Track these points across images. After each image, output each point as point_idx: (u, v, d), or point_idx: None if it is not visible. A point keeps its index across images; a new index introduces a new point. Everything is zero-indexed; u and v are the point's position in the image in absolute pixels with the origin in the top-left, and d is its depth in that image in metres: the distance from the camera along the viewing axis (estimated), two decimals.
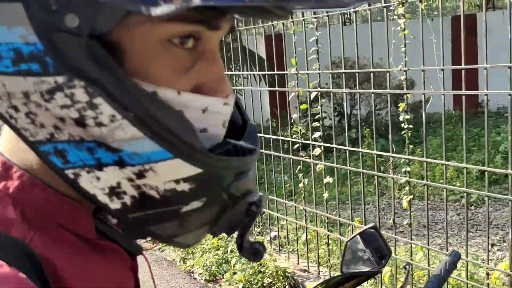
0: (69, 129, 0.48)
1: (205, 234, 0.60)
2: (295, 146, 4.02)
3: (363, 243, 1.33)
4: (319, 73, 3.71)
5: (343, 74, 3.83)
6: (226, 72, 4.73)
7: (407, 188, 3.24)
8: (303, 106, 3.94)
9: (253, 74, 5.07)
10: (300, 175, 4.07)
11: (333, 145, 3.68)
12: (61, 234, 0.53)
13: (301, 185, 4.05)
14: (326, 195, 3.83)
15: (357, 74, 3.67)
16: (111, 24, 0.45)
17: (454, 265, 1.36)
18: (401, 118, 3.21)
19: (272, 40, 4.08)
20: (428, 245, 3.20)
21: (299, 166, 4.09)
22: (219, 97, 0.54)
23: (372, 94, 3.91)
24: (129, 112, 0.47)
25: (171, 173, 0.50)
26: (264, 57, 5.47)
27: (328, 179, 3.76)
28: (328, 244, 3.96)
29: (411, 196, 3.23)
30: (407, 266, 1.44)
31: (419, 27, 2.98)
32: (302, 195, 4.11)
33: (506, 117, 7.73)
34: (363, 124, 7.80)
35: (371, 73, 3.50)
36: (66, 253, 0.52)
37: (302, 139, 3.97)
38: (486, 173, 2.86)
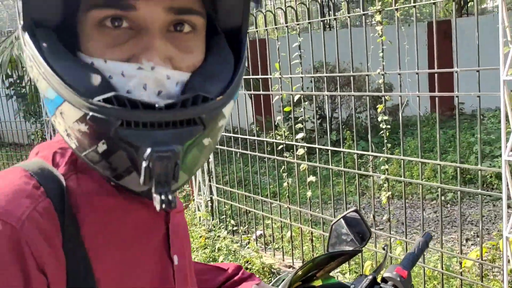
0: (40, 82, 0.67)
1: (142, 185, 0.64)
2: (279, 147, 4.19)
3: (346, 225, 1.50)
4: (302, 77, 3.90)
5: (325, 78, 4.02)
6: None
7: (386, 185, 3.43)
8: (287, 109, 4.12)
9: None
10: (284, 175, 4.24)
11: (316, 146, 3.86)
12: (96, 178, 0.73)
13: (285, 184, 4.22)
14: (309, 193, 4.01)
15: (338, 78, 3.86)
16: (37, 15, 0.66)
17: (426, 244, 1.54)
18: (379, 119, 3.41)
19: (257, 46, 4.25)
20: (406, 239, 3.40)
21: (283, 167, 4.26)
22: (132, 63, 0.66)
23: (353, 97, 4.13)
24: (40, 68, 0.65)
25: (70, 115, 0.65)
26: (247, 62, 5.64)
27: (311, 178, 3.94)
28: (312, 241, 4.14)
29: (390, 193, 3.42)
30: (385, 247, 1.62)
31: (396, 33, 3.18)
32: (287, 195, 4.28)
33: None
34: (343, 126, 8.02)
35: (351, 77, 3.70)
36: (92, 190, 0.72)
37: (286, 140, 4.15)
38: (458, 169, 3.07)
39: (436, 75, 3.18)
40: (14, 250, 0.62)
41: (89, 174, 0.73)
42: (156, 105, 0.63)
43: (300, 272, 1.33)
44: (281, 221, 4.49)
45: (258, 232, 4.81)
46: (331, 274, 1.55)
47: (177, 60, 0.70)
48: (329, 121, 7.86)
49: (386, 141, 3.41)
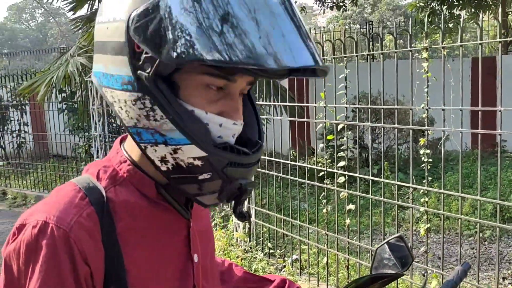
0: (142, 121, 0.88)
1: (215, 200, 0.94)
2: (320, 174, 4.30)
3: (389, 250, 1.60)
4: (346, 107, 4.02)
5: (369, 109, 4.12)
6: (258, 102, 5.06)
7: (425, 217, 3.49)
8: (330, 137, 4.23)
9: (278, 105, 5.39)
10: (323, 201, 4.34)
11: (357, 174, 3.96)
12: (132, 190, 0.95)
13: (324, 211, 4.31)
14: (348, 221, 4.09)
15: (382, 109, 3.96)
16: (169, 71, 0.85)
17: (465, 273, 1.62)
18: (421, 152, 3.48)
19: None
20: (442, 271, 3.43)
21: (323, 193, 4.36)
22: (229, 119, 0.90)
23: (396, 129, 4.20)
24: (169, 116, 0.85)
25: (190, 153, 0.87)
26: (287, 88, 5.78)
27: (351, 206, 4.02)
28: (347, 268, 4.20)
29: (428, 225, 3.48)
30: (425, 273, 1.71)
31: (441, 68, 3.28)
32: (325, 220, 4.37)
33: None
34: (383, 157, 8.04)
35: (395, 109, 3.80)
36: (128, 199, 0.94)
37: (327, 167, 4.26)
38: (498, 206, 3.12)
39: (479, 112, 3.25)
40: (66, 247, 0.85)
41: (124, 187, 0.95)
42: (249, 152, 0.92)
43: None
44: (317, 247, 4.57)
45: (294, 257, 4.89)
46: None
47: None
48: (370, 151, 7.91)
49: (427, 174, 3.48)
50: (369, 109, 4.11)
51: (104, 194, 0.92)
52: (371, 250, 3.99)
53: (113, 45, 0.87)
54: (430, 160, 3.45)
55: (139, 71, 0.85)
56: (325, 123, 4.26)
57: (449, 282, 1.59)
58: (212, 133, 0.88)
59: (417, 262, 4.75)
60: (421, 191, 3.58)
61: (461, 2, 11.39)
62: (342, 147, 4.07)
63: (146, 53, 0.83)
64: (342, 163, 4.06)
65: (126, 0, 0.85)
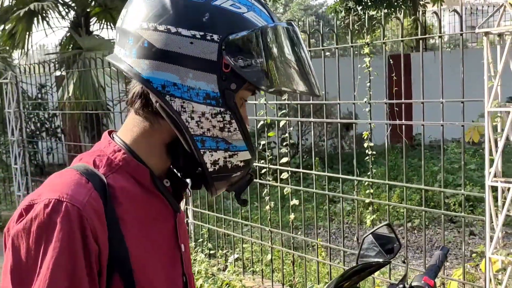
0: (213, 131, 0.99)
1: (223, 190, 1.09)
2: (263, 171, 4.31)
3: (375, 239, 1.62)
4: (288, 103, 4.05)
5: (298, 106, 4.20)
6: None
7: (370, 208, 3.59)
8: (271, 134, 4.26)
9: None
10: (266, 198, 4.34)
11: (301, 170, 4.00)
12: (127, 177, 1.00)
13: (267, 207, 4.32)
14: (292, 216, 4.13)
15: (311, 105, 4.08)
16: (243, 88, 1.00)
17: (445, 257, 1.67)
18: (365, 145, 3.57)
19: None
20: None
21: (265, 191, 4.36)
22: (248, 124, 1.05)
23: (325, 123, 4.29)
24: (241, 128, 1.01)
25: (242, 157, 1.03)
26: None
27: (295, 201, 4.06)
28: (293, 263, 4.24)
29: (375, 215, 3.58)
30: (405, 260, 1.75)
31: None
32: (268, 218, 4.38)
33: (439, 148, 8.40)
34: (309, 153, 8.23)
35: (322, 105, 3.94)
36: (125, 186, 0.99)
37: (269, 164, 4.27)
38: (423, 191, 3.29)
39: (402, 105, 3.44)
40: (80, 225, 0.88)
41: (121, 174, 1.00)
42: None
43: (332, 285, 1.44)
44: (261, 244, 4.57)
45: (235, 256, 4.86)
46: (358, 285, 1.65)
47: None
48: (296, 147, 8.06)
49: (371, 166, 3.58)
50: (298, 105, 4.18)
51: (104, 180, 0.96)
52: (317, 244, 4.05)
53: (199, 61, 0.94)
54: (374, 152, 3.56)
55: (226, 89, 0.96)
56: (265, 119, 4.27)
57: (433, 266, 1.63)
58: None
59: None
60: (355, 183, 3.69)
61: (374, 2, 11.98)
62: (285, 144, 4.10)
63: (234, 74, 0.95)
64: (284, 159, 4.09)
65: (216, 20, 0.94)
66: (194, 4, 0.94)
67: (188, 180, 1.11)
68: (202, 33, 0.93)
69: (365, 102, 3.53)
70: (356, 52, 4.84)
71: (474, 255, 4.20)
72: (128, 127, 1.05)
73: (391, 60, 3.92)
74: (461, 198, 6.13)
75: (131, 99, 1.03)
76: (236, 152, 1.01)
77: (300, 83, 1.00)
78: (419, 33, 3.62)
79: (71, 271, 0.87)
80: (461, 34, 3.25)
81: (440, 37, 3.58)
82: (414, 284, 1.53)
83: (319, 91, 1.05)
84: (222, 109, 0.97)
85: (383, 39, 3.63)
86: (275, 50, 0.97)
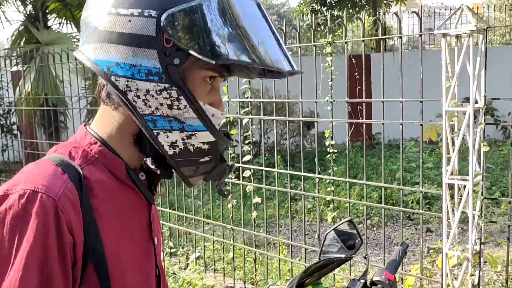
0: (162, 110, 0.96)
1: (200, 180, 1.07)
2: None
3: (338, 235, 1.64)
4: (250, 101, 4.06)
5: (261, 104, 4.22)
6: None
7: (332, 206, 3.64)
8: (233, 132, 4.25)
9: None
10: (227, 198, 4.34)
11: (263, 168, 4.02)
12: (103, 169, 1.00)
13: (229, 205, 4.32)
14: (254, 214, 4.13)
15: (274, 103, 4.09)
16: (189, 65, 0.96)
17: (405, 252, 1.71)
18: (327, 143, 3.61)
19: None
20: None
21: (227, 188, 4.36)
22: (219, 110, 1.03)
23: (287, 122, 4.32)
24: (193, 105, 0.97)
25: (202, 138, 1.00)
26: None
27: (257, 199, 4.07)
28: (254, 261, 4.25)
29: (335, 213, 3.63)
30: (366, 256, 1.77)
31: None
32: (230, 216, 4.38)
33: (398, 147, 8.57)
34: (271, 151, 8.27)
35: (285, 103, 3.95)
36: (101, 178, 0.99)
37: (232, 162, 4.27)
38: (382, 188, 3.35)
39: (363, 105, 3.51)
40: (55, 216, 0.88)
41: (96, 167, 1.00)
42: (232, 139, 1.02)
43: (295, 281, 1.45)
44: (223, 242, 4.56)
45: (196, 254, 4.84)
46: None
47: None
48: (258, 146, 8.09)
49: (332, 164, 3.62)
50: (261, 103, 4.19)
51: (80, 171, 0.96)
52: (278, 241, 4.07)
53: (138, 38, 0.93)
54: (335, 151, 3.60)
55: (168, 65, 0.94)
56: (227, 117, 4.26)
57: (393, 261, 1.65)
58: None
59: (314, 251, 4.94)
60: (317, 181, 3.73)
61: (338, 2, 12.12)
62: (246, 142, 4.10)
63: (177, 48, 0.93)
64: (247, 157, 4.10)
65: None
66: None
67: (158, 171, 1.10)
68: (139, 10, 0.93)
69: (327, 100, 3.57)
70: (318, 52, 4.91)
71: (431, 251, 4.30)
72: (99, 119, 1.05)
73: (353, 59, 3.97)
74: (418, 196, 6.32)
75: (98, 90, 1.04)
76: (193, 133, 0.99)
77: (260, 55, 0.96)
78: (379, 34, 3.63)
79: (43, 262, 0.87)
80: (420, 35, 3.33)
81: (400, 37, 3.65)
82: (375, 279, 1.56)
83: (294, 66, 1.01)
84: (166, 85, 0.95)
85: (345, 39, 3.68)
86: (221, 21, 0.95)
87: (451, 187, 2.98)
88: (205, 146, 1.01)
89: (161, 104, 0.96)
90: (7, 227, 0.88)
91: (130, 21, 0.93)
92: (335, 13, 12.68)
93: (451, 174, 2.92)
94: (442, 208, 2.98)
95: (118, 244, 0.99)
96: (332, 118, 3.60)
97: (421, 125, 3.24)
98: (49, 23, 9.38)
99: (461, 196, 2.91)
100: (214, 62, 0.92)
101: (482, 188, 2.87)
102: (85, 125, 1.09)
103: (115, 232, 0.99)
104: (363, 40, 3.61)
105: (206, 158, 1.02)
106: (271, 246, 5.19)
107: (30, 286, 0.86)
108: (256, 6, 1.01)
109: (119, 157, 1.02)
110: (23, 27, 9.22)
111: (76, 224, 0.91)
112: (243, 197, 4.37)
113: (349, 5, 12.10)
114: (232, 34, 0.94)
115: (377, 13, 12.39)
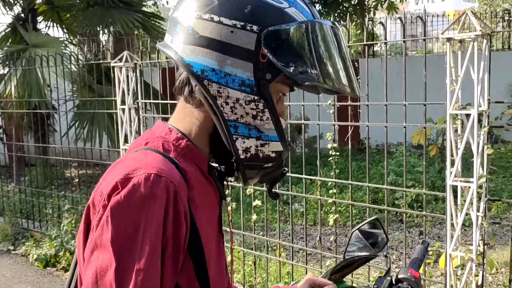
0: (246, 118, 1.04)
1: (255, 181, 1.14)
2: None
3: (363, 233, 1.66)
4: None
5: None
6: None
7: (333, 208, 3.67)
8: None
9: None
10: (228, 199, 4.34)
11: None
12: (191, 163, 1.07)
13: (229, 208, 4.32)
14: (254, 217, 4.15)
15: None
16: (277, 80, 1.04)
17: (426, 250, 1.75)
18: (328, 146, 3.65)
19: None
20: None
21: (227, 191, 4.37)
22: (284, 121, 1.12)
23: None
24: (273, 118, 1.06)
25: (273, 147, 1.08)
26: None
27: (257, 202, 4.09)
28: (254, 264, 4.26)
29: (337, 215, 3.66)
30: (387, 255, 1.81)
31: None
32: (230, 219, 4.38)
33: (388, 151, 8.65)
34: None
35: None
36: (192, 170, 1.05)
37: None
38: (367, 188, 3.41)
39: (349, 108, 3.59)
40: (174, 201, 0.94)
41: (186, 160, 1.05)
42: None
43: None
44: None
45: None
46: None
47: None
48: None
49: (334, 167, 3.66)
50: None
51: (178, 163, 1.01)
52: (278, 244, 4.09)
53: (238, 49, 1.00)
54: (337, 153, 3.63)
55: (261, 79, 1.01)
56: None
57: (416, 259, 1.69)
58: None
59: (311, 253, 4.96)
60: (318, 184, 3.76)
61: (326, 10, 12.26)
62: None
63: (270, 64, 0.99)
64: None
65: (257, 12, 0.99)
66: None
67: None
68: (242, 23, 0.98)
69: (316, 105, 3.61)
70: None
71: (430, 252, 4.36)
72: (180, 116, 1.10)
73: None
74: (410, 199, 6.40)
75: (178, 86, 1.08)
76: (267, 142, 1.06)
77: (337, 80, 1.05)
78: (364, 39, 3.73)
79: (163, 247, 0.92)
80: (404, 41, 3.57)
81: (385, 43, 3.75)
82: (400, 276, 1.58)
83: (359, 91, 1.10)
84: (256, 97, 1.02)
85: (347, 42, 3.73)
86: (312, 45, 1.01)
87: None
88: (273, 154, 1.08)
89: (247, 113, 1.03)
90: (135, 207, 0.91)
91: (232, 32, 0.99)
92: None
93: (455, 176, 2.98)
94: (446, 209, 3.03)
95: (207, 235, 1.05)
96: (319, 120, 3.63)
97: (405, 127, 3.28)
98: (39, 26, 9.31)
99: (465, 199, 2.95)
100: (304, 83, 1.01)
101: (486, 189, 2.93)
102: (162, 120, 1.16)
103: (204, 224, 1.04)
104: (349, 46, 3.68)
105: (270, 164, 1.09)
106: (268, 250, 5.20)
107: (156, 271, 0.90)
108: (337, 30, 1.08)
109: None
110: (9, 29, 9.12)
111: (186, 211, 0.97)
112: (239, 200, 4.38)
113: (338, 10, 12.23)
114: (320, 57, 1.01)
115: (364, 19, 12.56)
